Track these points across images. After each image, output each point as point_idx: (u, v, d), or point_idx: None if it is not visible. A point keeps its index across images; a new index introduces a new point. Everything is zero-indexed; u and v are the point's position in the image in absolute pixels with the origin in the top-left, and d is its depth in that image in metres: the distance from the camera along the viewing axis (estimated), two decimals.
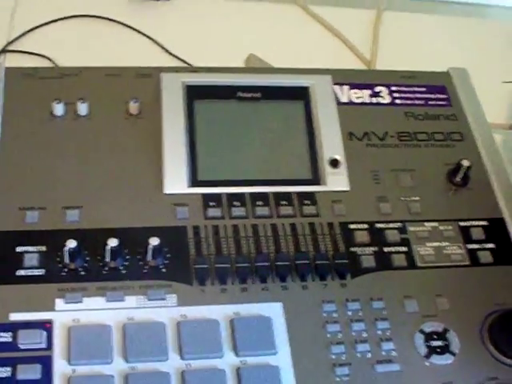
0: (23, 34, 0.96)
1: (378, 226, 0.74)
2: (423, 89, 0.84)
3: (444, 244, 0.73)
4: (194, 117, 0.76)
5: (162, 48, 0.97)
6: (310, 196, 0.74)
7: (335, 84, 0.82)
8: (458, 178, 0.77)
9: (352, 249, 0.72)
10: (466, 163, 0.76)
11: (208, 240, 0.70)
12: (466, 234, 0.74)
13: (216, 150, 0.76)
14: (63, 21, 0.98)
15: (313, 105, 0.79)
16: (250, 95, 0.79)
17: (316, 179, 0.76)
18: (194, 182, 0.73)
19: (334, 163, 0.76)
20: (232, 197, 0.73)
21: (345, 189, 0.75)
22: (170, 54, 0.96)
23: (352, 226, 0.73)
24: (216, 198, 0.73)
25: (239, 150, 0.76)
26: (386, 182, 0.77)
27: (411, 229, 0.74)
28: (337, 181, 0.75)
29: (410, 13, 1.06)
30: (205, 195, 0.73)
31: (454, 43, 1.03)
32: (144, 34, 0.98)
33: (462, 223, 0.75)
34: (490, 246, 0.74)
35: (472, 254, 0.73)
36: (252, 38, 0.97)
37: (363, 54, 0.99)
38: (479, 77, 0.89)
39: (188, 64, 0.94)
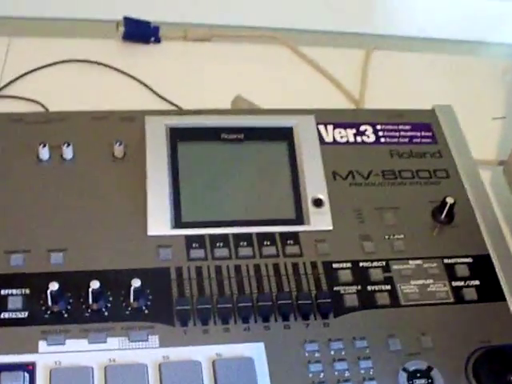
0: (15, 80, 0.97)
1: (362, 264, 0.74)
2: (408, 127, 0.85)
3: (428, 282, 0.73)
4: (177, 159, 0.77)
5: (152, 91, 0.98)
6: (293, 236, 0.74)
7: (319, 124, 0.83)
8: (443, 216, 0.77)
9: (335, 288, 0.72)
10: (450, 200, 0.77)
11: (191, 281, 0.70)
12: (450, 272, 0.74)
13: (199, 191, 0.76)
14: (55, 66, 0.99)
15: (296, 145, 0.79)
16: (233, 137, 0.79)
17: (299, 219, 0.76)
18: (178, 223, 0.74)
19: (318, 203, 0.76)
20: (215, 238, 0.73)
21: (328, 228, 0.75)
22: (160, 96, 0.97)
23: (335, 266, 0.73)
24: (199, 239, 0.73)
25: (223, 191, 0.77)
26: (370, 220, 0.77)
27: (395, 267, 0.74)
28: (320, 220, 0.76)
29: (399, 52, 1.07)
30: (188, 236, 0.73)
31: (443, 81, 1.03)
32: (134, 78, 0.99)
33: (446, 260, 0.75)
34: (475, 282, 0.74)
35: (456, 291, 0.73)
36: (241, 79, 0.98)
37: (352, 93, 1.00)
38: (469, 114, 0.90)
39: (177, 106, 0.95)
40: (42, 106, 0.94)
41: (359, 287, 0.72)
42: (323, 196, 0.77)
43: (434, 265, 0.74)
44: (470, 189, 0.81)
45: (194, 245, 0.73)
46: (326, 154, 0.80)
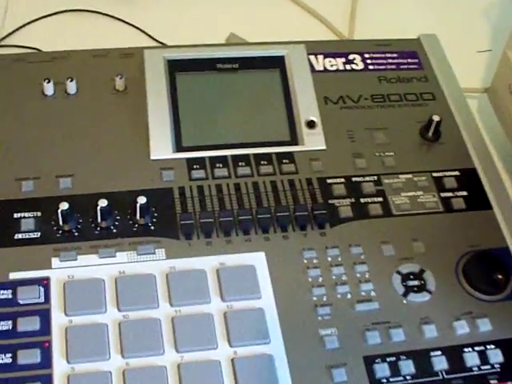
0: (16, 30, 1.00)
1: (355, 179, 0.78)
2: (395, 54, 0.88)
3: (418, 193, 0.77)
4: (176, 88, 0.81)
5: (150, 37, 1.01)
6: (288, 155, 0.78)
7: (310, 54, 0.86)
8: (430, 133, 0.81)
9: (330, 201, 0.76)
10: (436, 118, 0.80)
11: (193, 199, 0.74)
12: (439, 184, 0.78)
13: (198, 117, 0.80)
14: (53, 16, 1.03)
15: (288, 72, 0.83)
16: (228, 66, 0.83)
17: (294, 140, 0.80)
18: (179, 147, 0.78)
19: (311, 124, 0.80)
20: (215, 159, 0.77)
21: (321, 147, 0.79)
22: (158, 41, 1.01)
23: (329, 181, 0.77)
24: (200, 161, 0.77)
25: (220, 117, 0.81)
26: (361, 139, 0.81)
27: (386, 181, 0.78)
28: (314, 140, 0.80)
29: None
30: (189, 159, 0.77)
31: (430, 16, 1.07)
32: (131, 24, 1.02)
33: (435, 174, 0.79)
34: (463, 193, 0.78)
35: (445, 201, 0.77)
36: (232, 20, 1.02)
37: (341, 32, 1.03)
38: (457, 46, 0.94)
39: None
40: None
41: (353, 200, 0.76)
42: (315, 118, 0.81)
43: (423, 178, 0.78)
44: (455, 108, 0.84)
45: (195, 166, 0.76)
46: (317, 82, 0.84)
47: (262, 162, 0.77)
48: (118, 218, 0.73)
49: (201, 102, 0.81)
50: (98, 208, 0.71)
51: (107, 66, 0.83)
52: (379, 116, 0.83)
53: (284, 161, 0.78)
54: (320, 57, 0.87)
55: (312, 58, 0.86)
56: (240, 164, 0.77)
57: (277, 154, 0.78)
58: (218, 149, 0.78)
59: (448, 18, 1.07)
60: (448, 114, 0.84)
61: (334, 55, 0.87)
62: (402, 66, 0.88)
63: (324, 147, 0.79)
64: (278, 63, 0.84)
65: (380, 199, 0.77)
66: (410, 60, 0.88)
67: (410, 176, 0.78)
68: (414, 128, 0.82)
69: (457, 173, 0.79)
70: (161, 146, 0.77)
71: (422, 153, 0.81)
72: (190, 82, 0.82)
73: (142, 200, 0.71)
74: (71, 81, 0.80)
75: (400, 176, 0.78)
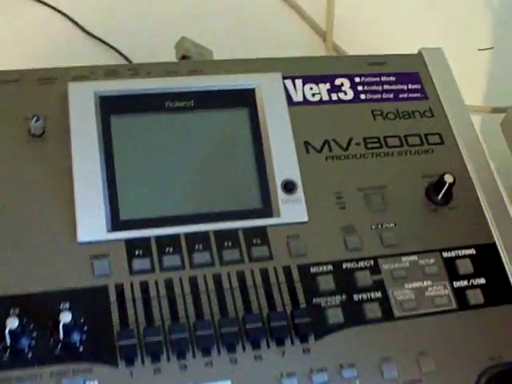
0: None
1: (346, 266, 0.60)
2: (392, 78, 0.70)
3: (426, 284, 0.61)
4: (111, 137, 0.61)
5: (76, 24, 0.80)
6: (260, 232, 0.60)
7: (286, 78, 0.67)
8: (440, 196, 0.63)
9: (315, 300, 0.58)
10: (449, 179, 0.63)
11: (135, 302, 0.56)
12: (451, 268, 0.61)
13: (141, 179, 0.61)
14: None
15: (260, 112, 0.64)
16: (180, 104, 0.63)
17: (267, 209, 0.61)
18: (115, 223, 0.59)
19: (289, 187, 0.62)
20: (163, 241, 0.59)
21: (303, 220, 0.61)
22: (85, 31, 0.80)
23: (314, 270, 0.59)
24: (143, 243, 0.58)
25: (170, 177, 0.61)
26: (353, 205, 0.63)
27: (385, 266, 0.61)
28: (292, 210, 0.61)
29: None
30: (129, 241, 0.58)
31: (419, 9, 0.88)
32: (56, 9, 0.81)
33: (446, 254, 0.62)
34: (480, 281, 0.61)
35: (459, 293, 0.61)
36: (187, 15, 0.82)
37: (319, 24, 0.83)
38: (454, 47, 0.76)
39: (105, 43, 0.78)
40: None
41: (344, 297, 0.59)
42: (295, 178, 0.62)
43: (432, 261, 0.61)
44: (469, 158, 0.67)
45: (136, 252, 0.58)
46: (295, 119, 0.65)
47: (226, 244, 0.59)
48: (34, 335, 0.54)
49: (144, 155, 0.61)
50: (6, 331, 0.52)
51: (20, 98, 0.63)
52: (374, 169, 0.65)
53: (254, 241, 0.60)
54: (298, 82, 0.67)
55: (288, 83, 0.67)
56: (197, 248, 0.59)
57: (245, 230, 0.60)
58: (167, 224, 0.59)
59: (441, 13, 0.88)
60: (459, 166, 0.66)
61: (316, 80, 0.68)
62: (401, 95, 0.69)
63: (305, 219, 0.61)
64: (246, 99, 0.64)
65: (378, 295, 0.59)
66: (410, 86, 0.70)
67: (414, 258, 0.61)
68: (419, 186, 0.65)
69: (472, 251, 0.62)
70: (91, 223, 0.58)
71: (428, 221, 0.63)
72: (129, 128, 0.62)
73: (66, 318, 0.53)
74: None
75: (403, 258, 0.61)
